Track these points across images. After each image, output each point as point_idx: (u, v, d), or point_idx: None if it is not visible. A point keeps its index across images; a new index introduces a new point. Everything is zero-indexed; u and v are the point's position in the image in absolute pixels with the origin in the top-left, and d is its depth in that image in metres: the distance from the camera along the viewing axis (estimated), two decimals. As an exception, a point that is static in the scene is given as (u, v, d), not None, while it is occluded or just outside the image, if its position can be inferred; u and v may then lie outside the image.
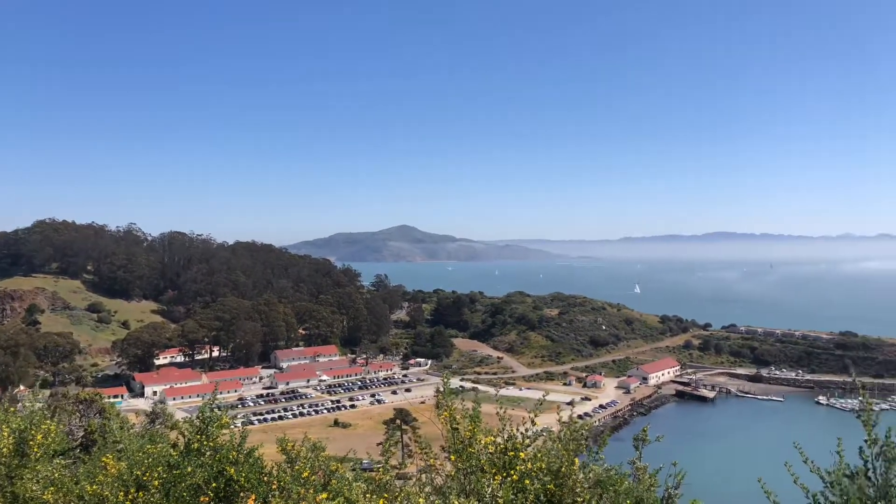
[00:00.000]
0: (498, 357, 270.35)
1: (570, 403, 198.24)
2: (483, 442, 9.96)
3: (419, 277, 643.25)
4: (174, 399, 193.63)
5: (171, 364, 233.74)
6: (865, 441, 9.69)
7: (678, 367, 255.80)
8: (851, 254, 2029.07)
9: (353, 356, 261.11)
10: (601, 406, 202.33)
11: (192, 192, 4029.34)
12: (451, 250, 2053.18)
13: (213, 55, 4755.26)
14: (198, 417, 10.70)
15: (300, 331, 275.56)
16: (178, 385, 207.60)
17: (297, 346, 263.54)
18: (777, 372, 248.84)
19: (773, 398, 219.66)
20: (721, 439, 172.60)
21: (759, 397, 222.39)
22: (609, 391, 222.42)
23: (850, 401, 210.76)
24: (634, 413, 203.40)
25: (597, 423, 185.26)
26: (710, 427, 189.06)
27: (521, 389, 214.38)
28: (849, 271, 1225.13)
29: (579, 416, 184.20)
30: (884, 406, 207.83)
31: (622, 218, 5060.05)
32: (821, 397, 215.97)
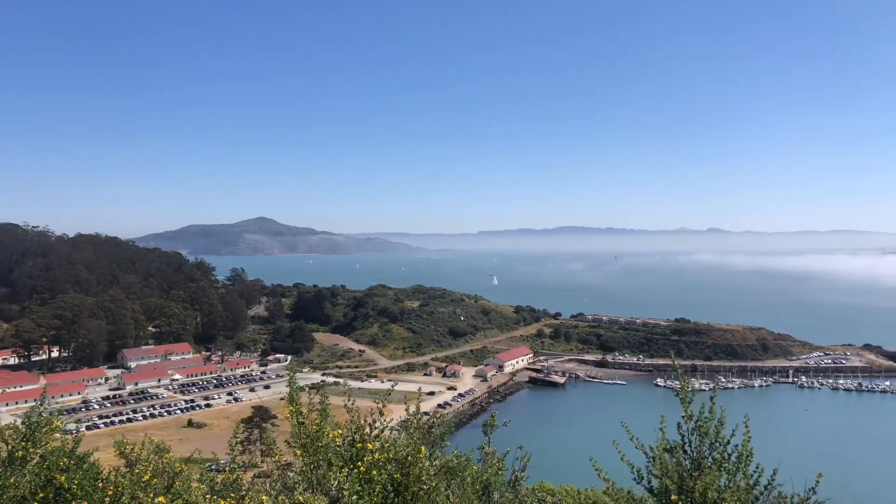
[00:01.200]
0: (360, 350, 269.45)
1: (431, 393, 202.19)
2: (331, 435, 10.07)
3: (278, 271, 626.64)
4: (7, 405, 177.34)
5: (3, 367, 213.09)
6: (683, 418, 10.91)
7: (531, 355, 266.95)
8: (685, 246, 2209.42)
9: (209, 354, 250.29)
10: (460, 395, 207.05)
11: (25, 180, 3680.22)
12: (312, 243, 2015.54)
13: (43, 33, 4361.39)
14: (23, 423, 10.00)
15: (150, 328, 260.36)
16: (11, 389, 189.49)
17: (147, 344, 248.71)
18: (621, 357, 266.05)
19: (618, 382, 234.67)
20: (570, 422, 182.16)
21: (604, 381, 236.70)
22: (467, 380, 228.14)
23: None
24: (491, 400, 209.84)
25: (455, 411, 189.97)
26: (561, 411, 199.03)
27: (382, 382, 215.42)
28: (682, 262, 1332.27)
29: (439, 406, 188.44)
30: (712, 386, 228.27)
31: (479, 212, 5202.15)
32: (658, 380, 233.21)
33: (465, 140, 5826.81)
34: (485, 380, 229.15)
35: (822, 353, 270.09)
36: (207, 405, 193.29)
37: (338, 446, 9.99)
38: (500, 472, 11.86)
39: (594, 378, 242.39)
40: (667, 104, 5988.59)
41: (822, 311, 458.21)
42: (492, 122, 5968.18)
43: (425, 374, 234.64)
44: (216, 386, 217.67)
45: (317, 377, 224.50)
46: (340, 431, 10.18)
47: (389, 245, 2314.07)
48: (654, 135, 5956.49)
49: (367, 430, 10.27)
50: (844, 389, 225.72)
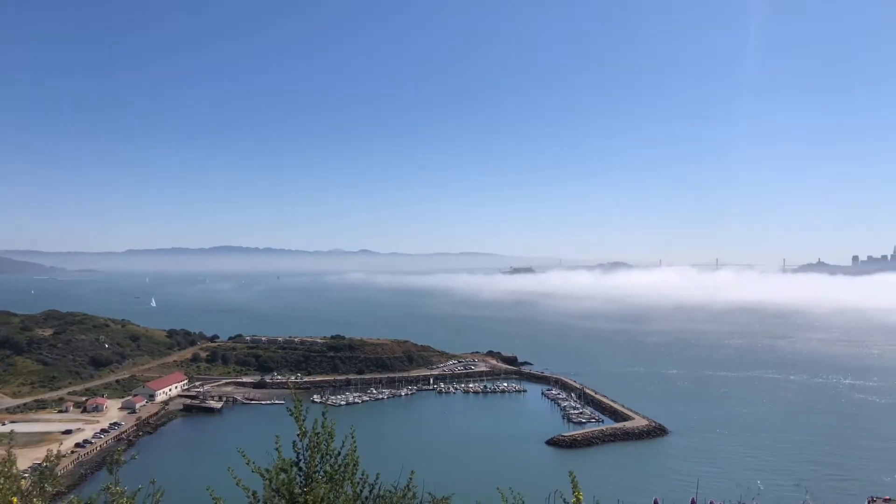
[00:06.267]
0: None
1: (68, 432, 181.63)
2: None
3: None
4: None
5: None
6: (298, 435, 11.47)
7: (186, 381, 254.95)
8: (338, 266, 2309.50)
9: None
10: (103, 430, 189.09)
11: None
12: None
13: None
14: None
15: None
16: None
17: None
18: (279, 377, 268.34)
19: (276, 402, 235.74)
20: (224, 448, 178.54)
21: (263, 402, 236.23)
22: (112, 413, 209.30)
23: (339, 397, 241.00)
24: (140, 433, 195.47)
25: (97, 449, 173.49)
26: (216, 437, 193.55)
27: (3, 424, 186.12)
28: (334, 281, 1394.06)
29: (78, 445, 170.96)
30: (364, 398, 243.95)
31: (127, 229, 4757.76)
32: (315, 396, 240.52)
33: (105, 143, 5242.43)
34: (133, 412, 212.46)
35: (456, 361, 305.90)
36: None
37: None
38: None
39: (252, 400, 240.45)
40: (306, 130, 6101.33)
41: (451, 322, 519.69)
42: (144, 126, 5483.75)
43: (61, 411, 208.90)
44: None
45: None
46: None
47: (15, 265, 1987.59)
48: (311, 163, 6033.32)
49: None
50: (474, 392, 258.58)
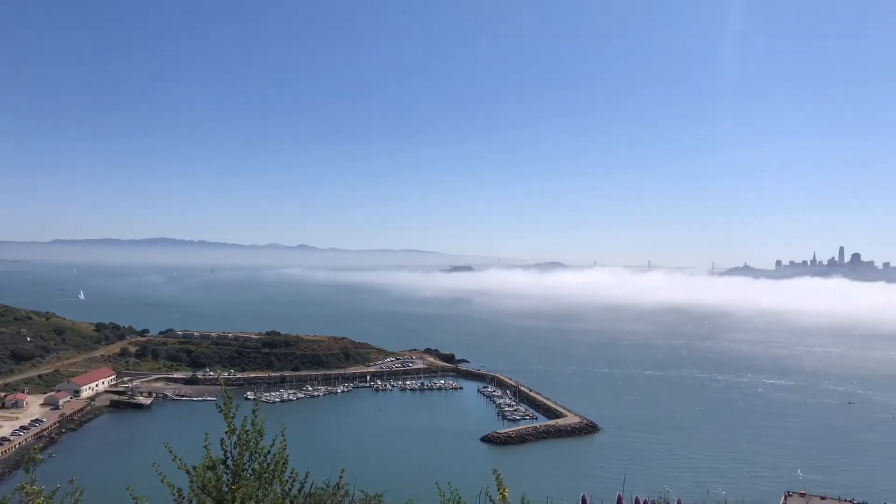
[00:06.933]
0: None
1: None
2: None
3: None
4: None
5: None
6: (226, 432, 11.31)
7: (114, 377, 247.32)
8: (275, 261, 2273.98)
9: None
10: (22, 427, 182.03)
11: None
12: None
13: None
14: None
15: None
16: None
17: None
18: (211, 373, 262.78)
19: (208, 398, 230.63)
20: (152, 445, 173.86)
21: (194, 399, 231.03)
22: (34, 410, 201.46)
23: (274, 394, 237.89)
24: (63, 430, 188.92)
25: (15, 447, 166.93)
26: (144, 434, 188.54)
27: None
28: (270, 277, 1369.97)
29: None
30: (300, 395, 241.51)
31: (52, 217, 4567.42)
32: (249, 393, 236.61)
33: (31, 129, 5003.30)
34: (56, 408, 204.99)
35: (394, 359, 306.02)
36: None
37: None
38: None
39: (183, 396, 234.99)
40: (243, 121, 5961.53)
41: (389, 319, 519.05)
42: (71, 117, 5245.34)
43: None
44: None
45: None
46: None
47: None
48: (248, 155, 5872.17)
49: None
50: (410, 389, 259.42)
